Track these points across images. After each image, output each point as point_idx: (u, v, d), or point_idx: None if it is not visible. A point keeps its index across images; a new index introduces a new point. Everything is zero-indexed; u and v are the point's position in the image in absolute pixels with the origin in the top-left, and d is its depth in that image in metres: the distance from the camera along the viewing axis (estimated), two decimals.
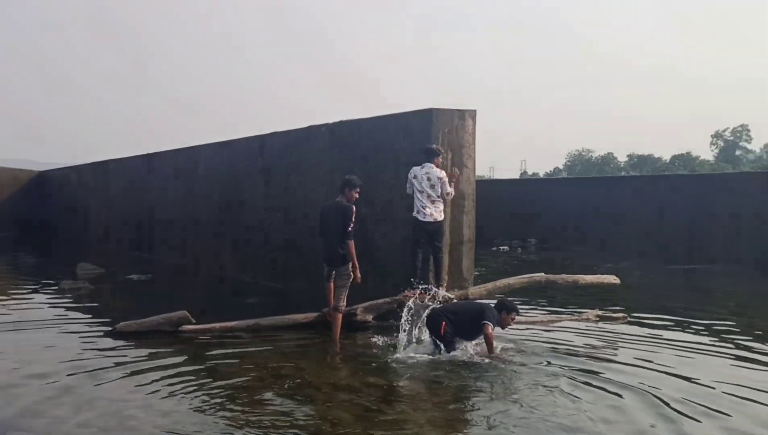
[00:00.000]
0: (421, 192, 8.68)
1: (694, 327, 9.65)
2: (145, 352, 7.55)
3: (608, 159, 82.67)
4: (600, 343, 8.44)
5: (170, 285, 14.08)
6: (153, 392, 6.03)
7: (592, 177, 53.46)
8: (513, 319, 7.70)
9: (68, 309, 10.43)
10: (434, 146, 8.84)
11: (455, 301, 8.56)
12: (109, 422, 5.31)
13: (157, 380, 6.38)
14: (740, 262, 17.89)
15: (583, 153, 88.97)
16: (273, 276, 12.68)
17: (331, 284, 8.32)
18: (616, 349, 8.10)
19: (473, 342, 7.57)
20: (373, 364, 7.09)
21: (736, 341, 8.78)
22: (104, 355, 7.43)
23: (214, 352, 7.64)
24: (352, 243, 8.17)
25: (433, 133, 9.10)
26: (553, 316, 10.17)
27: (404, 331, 8.02)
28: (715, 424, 5.41)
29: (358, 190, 8.26)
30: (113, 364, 6.97)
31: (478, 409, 5.72)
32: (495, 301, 8.00)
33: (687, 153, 75.72)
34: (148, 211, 18.57)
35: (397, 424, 5.35)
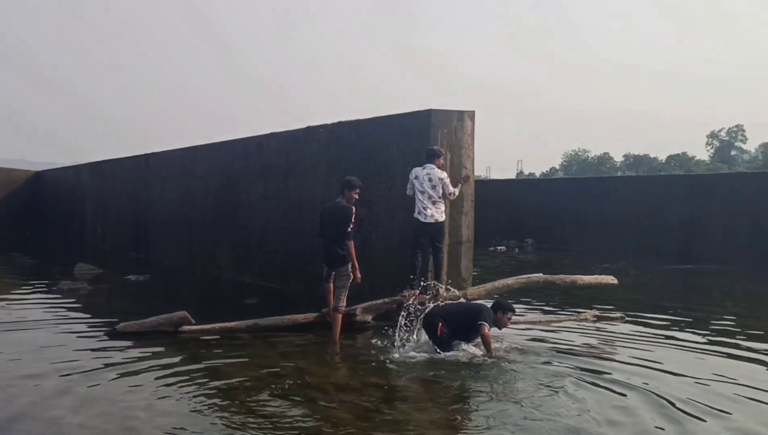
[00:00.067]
0: (422, 193, 8.70)
1: (692, 326, 9.68)
2: (145, 352, 7.56)
3: (604, 159, 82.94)
4: (599, 343, 8.47)
5: (168, 285, 14.08)
6: (153, 393, 6.05)
7: (588, 177, 53.53)
8: (509, 318, 7.72)
9: (68, 309, 10.44)
10: (435, 147, 8.87)
11: (462, 300, 8.60)
12: (110, 422, 5.32)
13: (157, 381, 6.40)
14: (736, 262, 17.94)
15: (580, 153, 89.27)
16: (270, 276, 12.69)
17: (331, 285, 8.33)
18: (615, 349, 8.14)
19: (472, 343, 7.60)
20: (373, 365, 7.10)
21: (735, 340, 8.82)
22: (105, 355, 7.44)
23: (214, 353, 7.66)
24: (351, 243, 8.19)
25: (432, 134, 9.12)
26: (552, 317, 10.19)
27: (403, 331, 8.07)
28: (719, 424, 5.44)
29: (358, 191, 8.27)
30: (114, 365, 6.98)
31: (479, 410, 5.73)
32: (492, 302, 8.04)
33: (683, 153, 76.07)
34: (145, 211, 18.56)
35: (399, 425, 5.35)
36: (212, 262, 14.93)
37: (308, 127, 11.67)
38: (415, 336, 8.00)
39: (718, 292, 14.10)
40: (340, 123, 10.97)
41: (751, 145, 78.37)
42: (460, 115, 9.34)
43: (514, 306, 8.11)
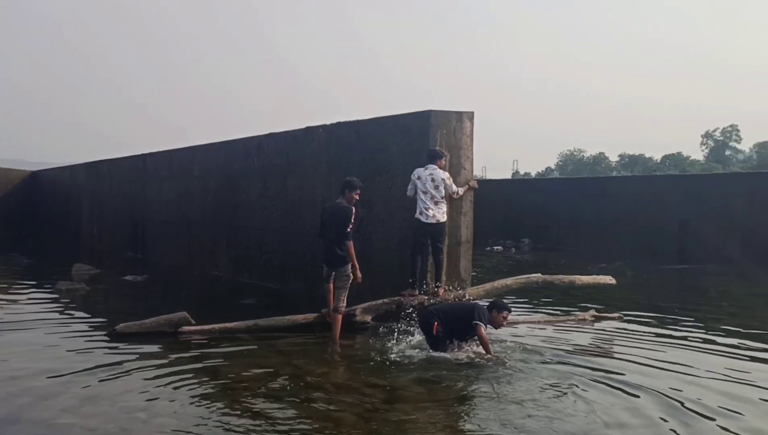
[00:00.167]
0: (425, 193, 8.73)
1: (691, 326, 9.74)
2: (145, 353, 7.57)
3: (600, 159, 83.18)
4: (599, 343, 8.54)
5: (166, 286, 14.08)
6: (154, 393, 6.05)
7: (584, 177, 53.66)
8: (505, 317, 7.74)
9: (67, 310, 10.42)
10: (437, 148, 8.90)
11: (468, 299, 8.64)
12: (110, 423, 5.33)
13: (158, 381, 6.40)
14: (731, 262, 18.02)
15: (575, 153, 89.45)
16: (270, 277, 12.70)
17: (331, 285, 8.36)
18: (615, 349, 8.19)
19: (471, 343, 7.64)
20: (373, 365, 7.12)
21: (735, 340, 8.87)
22: (105, 356, 7.43)
23: (214, 353, 7.66)
24: (351, 243, 8.22)
25: (431, 135, 9.15)
26: (550, 316, 10.25)
27: (402, 331, 8.12)
28: (729, 424, 5.47)
29: (358, 191, 8.30)
30: (114, 365, 6.97)
31: (481, 410, 5.75)
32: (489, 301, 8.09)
33: (677, 153, 76.29)
34: (143, 211, 18.54)
35: (400, 425, 5.38)
36: (211, 262, 14.94)
37: (308, 128, 11.68)
38: (413, 336, 8.05)
39: (714, 292, 14.18)
40: (339, 123, 10.99)
41: (746, 145, 78.76)
42: (459, 115, 9.37)
43: (512, 306, 8.15)
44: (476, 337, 7.49)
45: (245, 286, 12.81)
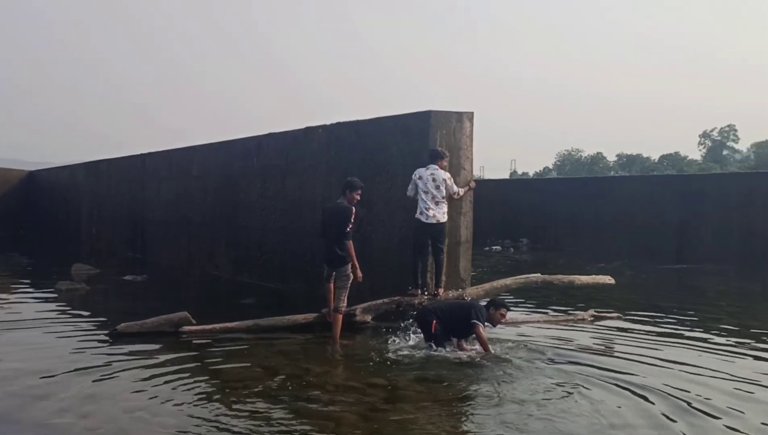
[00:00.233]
0: (426, 193, 8.75)
1: (691, 326, 9.79)
2: (146, 353, 7.58)
3: (597, 159, 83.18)
4: (599, 342, 8.55)
5: (166, 286, 14.07)
6: (156, 393, 6.07)
7: (582, 177, 53.68)
8: (503, 314, 7.77)
9: (67, 310, 10.43)
10: (439, 149, 8.92)
11: (467, 299, 8.68)
12: (113, 422, 5.35)
13: (159, 381, 6.41)
14: (729, 261, 18.07)
15: (573, 153, 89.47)
16: (269, 276, 12.72)
17: (331, 285, 8.38)
18: (616, 348, 8.21)
19: (466, 340, 7.67)
20: (374, 364, 7.14)
21: (734, 339, 8.93)
22: (106, 355, 7.44)
23: (215, 353, 7.67)
24: (350, 243, 8.24)
25: (431, 135, 9.18)
26: (550, 316, 10.28)
27: (403, 330, 8.15)
28: (735, 423, 5.50)
29: (359, 192, 8.32)
30: (115, 365, 6.99)
31: (482, 410, 5.76)
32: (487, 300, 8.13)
33: (675, 153, 76.39)
34: (142, 211, 18.55)
35: (401, 425, 5.39)
36: (211, 262, 14.95)
37: (307, 128, 11.70)
38: (413, 335, 8.09)
39: (712, 291, 14.23)
40: (339, 123, 11.01)
41: (743, 145, 78.86)
42: (459, 116, 9.39)
43: (512, 306, 8.18)
44: (475, 336, 7.53)
45: (245, 286, 12.82)
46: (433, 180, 8.73)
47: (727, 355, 7.97)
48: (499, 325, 8.06)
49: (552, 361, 7.31)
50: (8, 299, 11.64)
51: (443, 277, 8.91)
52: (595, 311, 10.20)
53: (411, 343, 7.94)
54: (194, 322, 8.54)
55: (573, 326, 9.50)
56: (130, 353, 7.56)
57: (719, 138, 78.88)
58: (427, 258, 8.89)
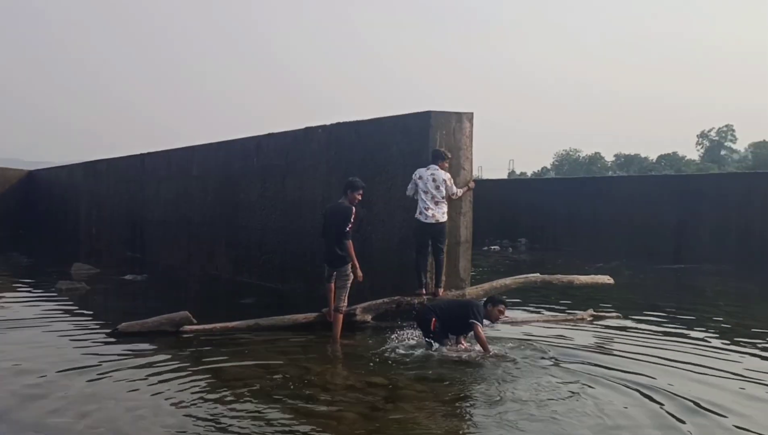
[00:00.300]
0: (425, 193, 8.79)
1: (690, 325, 9.82)
2: (148, 352, 7.61)
3: (595, 158, 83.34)
4: (599, 342, 8.59)
5: (166, 285, 14.09)
6: (158, 392, 6.10)
7: (580, 177, 53.75)
8: (500, 311, 7.79)
9: (68, 309, 10.45)
10: (442, 150, 8.95)
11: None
12: (115, 422, 5.37)
13: (161, 380, 6.44)
14: (727, 261, 18.12)
15: (571, 152, 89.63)
16: (269, 276, 12.75)
17: (332, 285, 8.42)
18: (616, 347, 8.24)
19: (465, 338, 7.71)
20: (375, 364, 7.16)
21: (734, 338, 8.97)
22: (107, 355, 7.47)
23: (215, 353, 7.69)
24: (349, 243, 8.26)
25: (431, 135, 9.21)
26: (549, 316, 10.32)
27: (403, 329, 8.20)
28: (738, 422, 5.53)
29: (360, 192, 8.35)
30: (116, 365, 7.02)
31: (484, 409, 5.79)
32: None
33: (673, 153, 76.56)
34: (141, 211, 18.56)
35: (402, 424, 5.41)
36: (210, 262, 14.97)
37: (307, 128, 11.72)
38: (413, 334, 8.13)
39: (710, 291, 14.27)
40: (339, 123, 11.04)
41: (741, 145, 79.05)
42: (459, 116, 9.43)
43: (512, 306, 8.21)
44: (473, 335, 7.57)
45: (245, 286, 12.85)
46: (433, 180, 8.76)
47: (730, 354, 8.01)
48: (498, 322, 8.11)
49: (554, 360, 7.34)
50: (8, 298, 11.66)
51: (443, 277, 8.95)
52: (594, 311, 10.23)
53: (411, 342, 7.98)
54: (195, 321, 8.57)
55: (573, 326, 9.54)
56: (131, 353, 7.59)
57: (717, 138, 79.10)
58: (427, 258, 8.93)
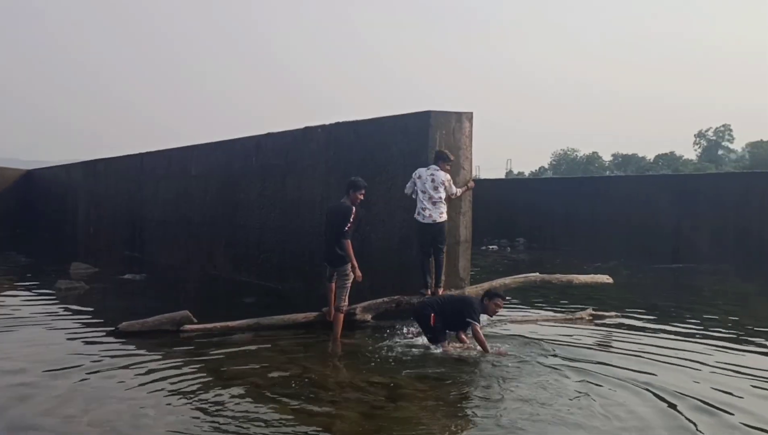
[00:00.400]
0: (423, 192, 8.81)
1: (689, 324, 9.84)
2: (148, 351, 7.61)
3: (593, 158, 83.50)
4: (600, 340, 8.63)
5: (165, 285, 14.08)
6: (159, 391, 6.11)
7: (578, 177, 53.83)
8: (497, 304, 7.81)
9: (67, 308, 10.45)
10: (446, 151, 8.95)
11: None
12: (119, 420, 5.38)
13: (161, 380, 6.45)
14: (724, 261, 18.16)
15: (568, 152, 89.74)
16: (268, 276, 12.76)
17: (333, 284, 8.44)
18: (616, 346, 8.26)
19: (466, 334, 7.74)
20: (375, 363, 7.18)
21: (735, 337, 9.02)
22: (108, 354, 7.48)
23: (217, 352, 7.70)
24: (348, 242, 8.28)
25: (431, 135, 9.23)
26: (548, 315, 10.35)
27: (403, 328, 8.23)
28: (719, 422, 5.55)
29: (363, 191, 8.36)
30: (118, 364, 7.03)
31: (485, 408, 5.79)
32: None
33: (671, 152, 76.68)
34: (141, 211, 18.55)
35: (404, 422, 5.42)
36: (210, 261, 14.97)
37: (306, 128, 11.73)
38: (414, 332, 8.16)
39: (708, 291, 14.30)
40: (338, 123, 11.05)
41: (738, 145, 79.22)
42: (459, 116, 9.45)
43: (512, 306, 8.23)
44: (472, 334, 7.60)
45: (244, 285, 12.85)
46: (432, 180, 8.79)
47: (733, 352, 8.05)
48: (495, 315, 8.13)
49: (556, 358, 7.35)
50: (8, 298, 11.65)
51: (443, 277, 8.97)
52: (593, 310, 10.25)
53: (411, 340, 8.01)
54: (195, 320, 8.59)
55: (574, 325, 9.57)
56: (132, 352, 7.61)
57: (714, 138, 79.26)
58: (427, 257, 8.95)
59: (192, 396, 6.00)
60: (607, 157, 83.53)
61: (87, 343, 8.11)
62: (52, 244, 23.15)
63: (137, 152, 19.05)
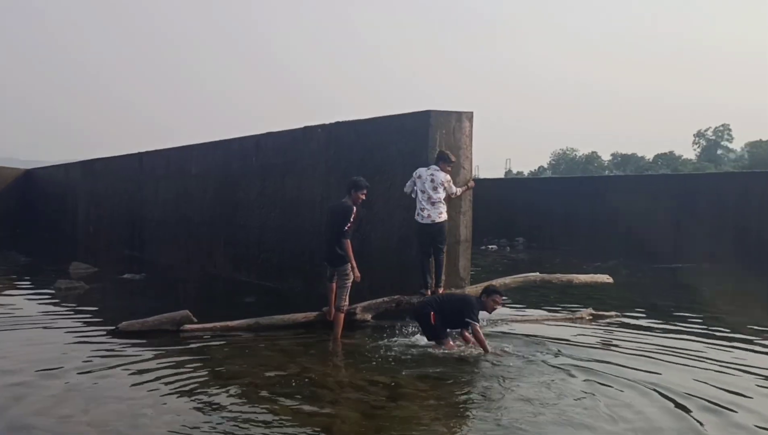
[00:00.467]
0: (422, 192, 8.81)
1: (689, 323, 9.85)
2: (149, 351, 7.61)
3: (592, 158, 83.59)
4: (602, 340, 8.61)
5: (165, 284, 14.07)
6: (160, 391, 6.11)
7: (578, 176, 53.87)
8: (496, 301, 7.80)
9: (67, 308, 10.45)
10: (448, 153, 8.94)
11: None
12: (120, 420, 5.38)
13: (162, 379, 6.45)
14: (723, 261, 18.16)
15: (567, 152, 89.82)
16: (268, 275, 12.75)
17: (333, 284, 8.43)
18: (616, 346, 8.25)
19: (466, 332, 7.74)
20: (376, 362, 7.18)
21: (736, 336, 9.01)
22: (108, 354, 7.48)
23: (216, 351, 7.71)
24: (347, 242, 8.27)
25: (431, 135, 9.23)
26: (548, 315, 10.35)
27: (403, 328, 8.23)
28: (725, 421, 5.56)
29: (364, 191, 8.36)
30: (118, 363, 7.03)
31: (486, 408, 5.80)
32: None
33: (670, 152, 76.75)
34: (140, 210, 18.54)
35: (405, 422, 5.42)
36: (209, 260, 14.96)
37: (306, 127, 11.72)
38: (414, 331, 8.16)
39: (708, 290, 14.29)
40: (338, 123, 11.04)
41: (737, 145, 79.34)
42: (459, 116, 9.45)
43: (511, 306, 8.22)
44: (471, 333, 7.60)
45: (244, 285, 12.84)
46: (432, 180, 8.78)
47: (735, 351, 8.06)
48: (494, 312, 8.13)
49: (558, 358, 7.35)
50: (7, 297, 11.64)
51: (443, 276, 8.97)
52: (593, 310, 10.25)
53: (412, 340, 8.01)
54: (195, 320, 8.59)
55: (575, 324, 9.57)
56: (132, 351, 7.59)
57: (713, 137, 79.39)
58: (427, 257, 8.95)
59: (191, 395, 6.00)
60: (606, 157, 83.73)
61: (87, 342, 8.10)
62: (51, 244, 23.13)
63: (136, 152, 19.03)
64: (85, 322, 9.36)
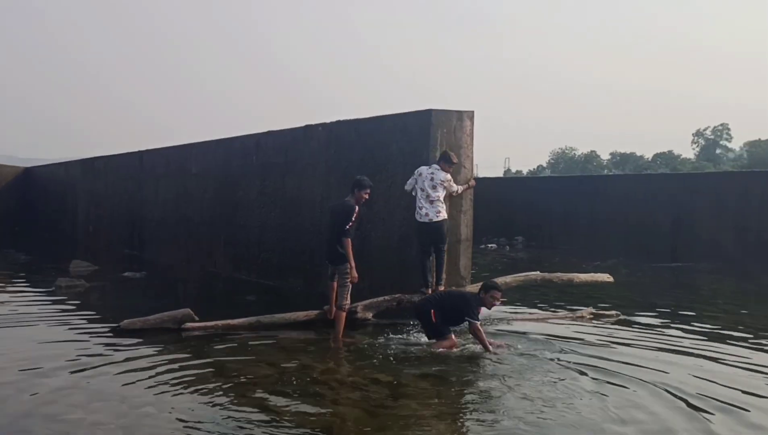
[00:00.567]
0: (422, 190, 8.81)
1: (688, 323, 9.84)
2: (150, 349, 7.61)
3: (591, 157, 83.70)
4: (600, 339, 8.61)
5: (165, 283, 14.08)
6: (161, 389, 6.12)
7: (577, 175, 53.88)
8: (495, 296, 7.79)
9: (68, 306, 10.44)
10: (451, 154, 8.93)
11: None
12: (122, 418, 5.39)
13: (164, 377, 6.46)
14: (723, 260, 18.19)
15: (567, 151, 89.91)
16: (268, 274, 12.76)
17: (335, 283, 8.45)
18: (617, 345, 8.26)
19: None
20: (377, 361, 7.19)
21: (736, 336, 9.02)
22: (110, 352, 7.49)
23: (217, 350, 7.72)
24: (348, 241, 8.27)
25: (432, 134, 9.23)
26: (549, 314, 10.36)
27: (404, 327, 8.24)
28: (735, 419, 5.56)
29: (367, 190, 8.37)
30: (119, 362, 7.04)
31: (487, 406, 5.81)
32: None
33: (669, 151, 76.88)
34: (140, 209, 18.52)
35: (407, 420, 5.43)
36: (209, 259, 14.96)
37: (307, 126, 11.72)
38: (415, 330, 8.18)
39: (707, 289, 14.34)
40: (339, 122, 11.04)
41: (736, 144, 79.45)
42: (460, 115, 9.45)
43: (512, 305, 8.23)
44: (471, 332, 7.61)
45: (244, 284, 12.84)
46: (431, 179, 8.79)
47: (738, 350, 8.07)
48: (493, 308, 8.14)
49: (557, 357, 7.34)
50: (8, 295, 11.65)
51: (444, 275, 8.98)
52: (593, 309, 10.26)
53: (413, 339, 8.03)
54: (197, 318, 8.61)
55: (576, 323, 9.58)
56: (134, 350, 7.60)
57: (712, 137, 79.54)
58: (427, 256, 8.96)
59: (192, 394, 6.01)
60: (605, 156, 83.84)
61: (88, 341, 8.10)
62: (51, 243, 23.11)
63: (137, 150, 19.01)
64: (86, 320, 9.37)
